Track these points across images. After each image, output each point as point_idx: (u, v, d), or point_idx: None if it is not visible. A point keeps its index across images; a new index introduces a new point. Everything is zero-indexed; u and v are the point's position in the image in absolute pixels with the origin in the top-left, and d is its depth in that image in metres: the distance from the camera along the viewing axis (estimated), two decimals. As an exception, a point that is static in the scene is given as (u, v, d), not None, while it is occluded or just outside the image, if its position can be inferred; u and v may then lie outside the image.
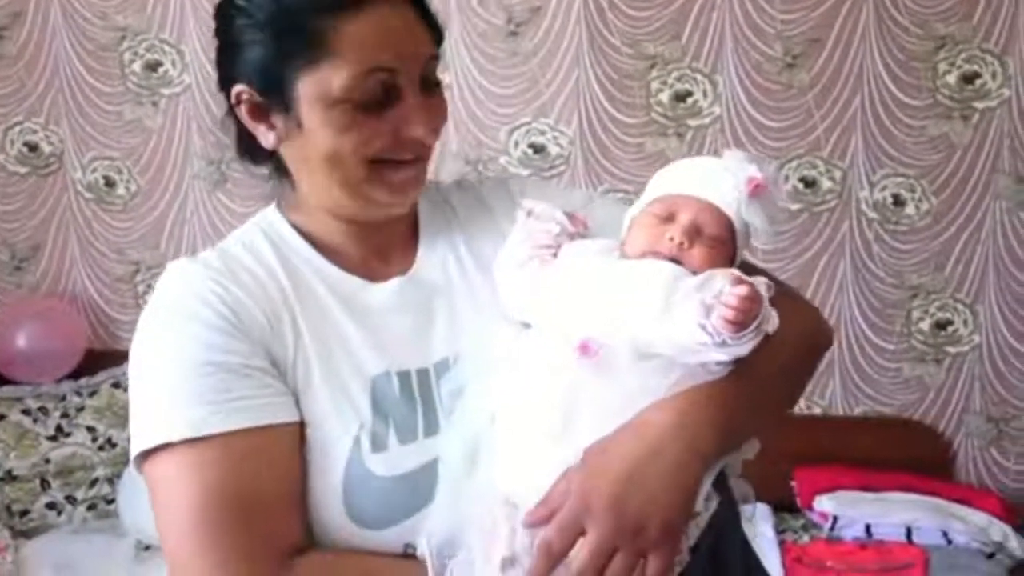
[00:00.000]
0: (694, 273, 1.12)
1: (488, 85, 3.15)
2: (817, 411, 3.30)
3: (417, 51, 1.15)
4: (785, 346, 1.14)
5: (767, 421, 1.18)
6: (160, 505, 1.10)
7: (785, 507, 3.12)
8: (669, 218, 1.17)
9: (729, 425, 1.08)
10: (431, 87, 1.18)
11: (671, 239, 1.15)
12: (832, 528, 2.99)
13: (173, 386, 1.11)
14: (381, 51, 1.12)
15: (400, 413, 1.14)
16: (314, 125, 1.14)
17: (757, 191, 1.17)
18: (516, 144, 3.19)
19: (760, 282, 1.11)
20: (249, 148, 1.23)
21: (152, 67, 3.29)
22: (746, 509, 1.29)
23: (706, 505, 1.08)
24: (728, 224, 1.17)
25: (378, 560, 1.09)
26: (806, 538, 3.03)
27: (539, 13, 3.10)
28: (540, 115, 3.18)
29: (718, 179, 1.18)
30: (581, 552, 1.01)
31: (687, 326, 1.06)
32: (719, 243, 1.16)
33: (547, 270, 1.17)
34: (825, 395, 3.28)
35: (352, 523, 1.10)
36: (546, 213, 1.22)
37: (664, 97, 3.15)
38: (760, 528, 3.02)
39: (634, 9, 3.10)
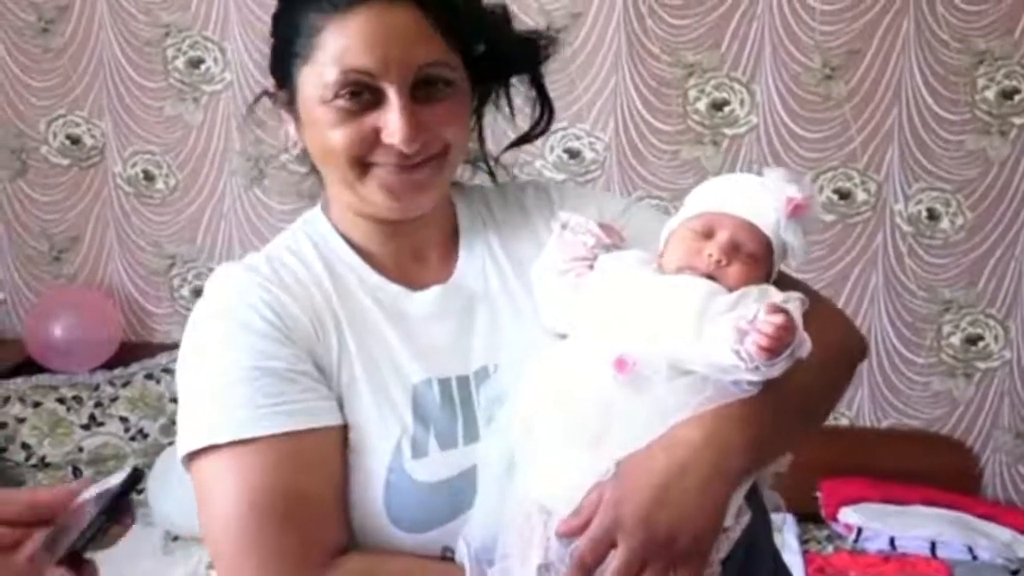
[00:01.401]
0: (730, 290, 1.14)
1: (526, 89, 3.16)
2: (844, 423, 3.30)
3: (405, 57, 1.14)
4: (819, 360, 1.14)
5: (798, 435, 1.20)
6: (206, 504, 1.12)
7: (810, 518, 3.12)
8: (708, 234, 1.18)
9: (758, 442, 1.09)
10: (430, 93, 1.17)
11: (709, 256, 1.16)
12: (856, 540, 2.99)
13: (220, 390, 1.14)
14: (360, 54, 1.13)
15: (441, 420, 1.16)
16: (309, 121, 1.18)
17: (797, 211, 1.18)
18: (552, 149, 3.21)
19: (794, 299, 1.13)
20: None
21: (194, 64, 3.33)
22: (775, 519, 1.31)
23: (738, 520, 1.10)
24: (766, 243, 1.18)
25: (418, 562, 1.11)
26: (830, 549, 3.03)
27: (579, 19, 3.12)
28: (576, 120, 3.20)
29: (758, 197, 1.20)
30: (612, 564, 1.03)
31: (721, 349, 1.07)
32: (756, 261, 1.18)
33: (583, 282, 1.18)
34: (853, 407, 3.29)
35: (392, 526, 1.12)
36: (581, 226, 1.23)
37: (701, 105, 3.16)
38: (784, 538, 3.03)
39: (674, 17, 3.12)
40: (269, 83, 1.25)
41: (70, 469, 3.17)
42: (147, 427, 3.23)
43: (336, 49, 1.14)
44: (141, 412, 3.25)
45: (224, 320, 1.18)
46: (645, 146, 3.20)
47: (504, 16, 1.29)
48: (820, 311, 1.20)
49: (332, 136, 1.16)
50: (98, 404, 3.25)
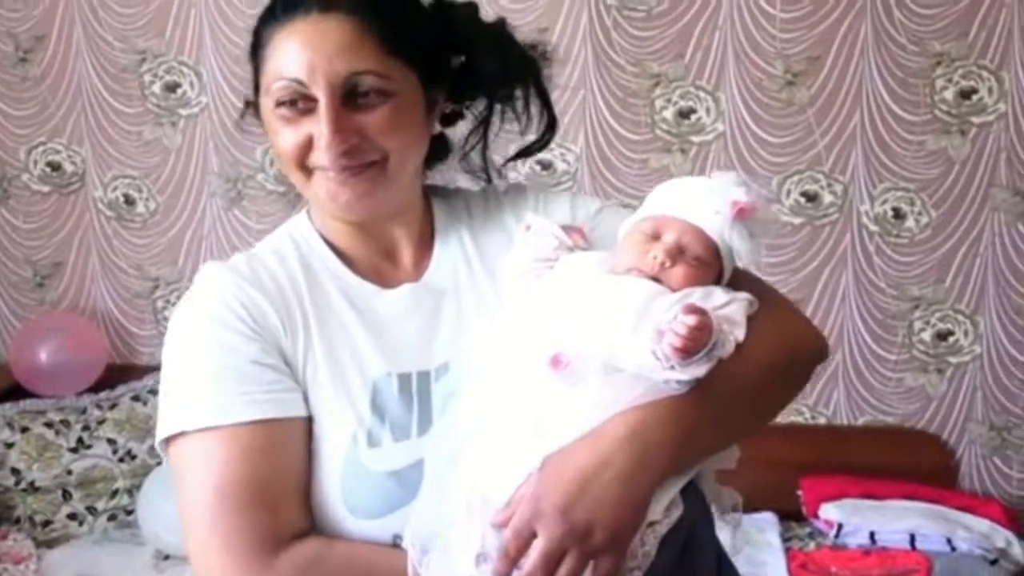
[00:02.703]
0: (674, 292, 1.16)
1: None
2: (822, 421, 3.35)
3: (334, 66, 1.19)
4: (768, 359, 1.19)
5: (736, 434, 1.22)
6: (180, 487, 1.20)
7: (792, 515, 3.17)
8: (655, 237, 1.20)
9: (687, 439, 1.12)
10: (365, 102, 1.21)
11: (654, 258, 1.18)
12: (837, 535, 3.02)
13: (192, 380, 1.22)
14: (291, 63, 1.20)
15: (396, 413, 1.21)
16: (267, 127, 1.26)
17: (741, 214, 1.20)
18: (524, 160, 3.24)
19: (740, 299, 1.16)
20: None
21: (171, 88, 3.38)
22: (736, 517, 1.33)
23: (667, 514, 1.13)
24: (711, 245, 1.20)
25: (366, 547, 1.17)
26: (812, 545, 3.07)
27: (546, 34, 3.17)
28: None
29: (704, 201, 1.22)
30: (532, 554, 1.07)
31: (644, 349, 1.10)
32: (701, 264, 1.19)
33: (539, 282, 1.22)
34: (829, 405, 3.34)
35: (347, 513, 1.18)
36: (545, 228, 1.26)
37: (668, 114, 3.22)
38: (767, 536, 3.08)
39: (638, 29, 3.18)
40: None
41: (60, 492, 3.19)
42: (135, 448, 3.25)
43: (276, 59, 1.21)
44: (129, 434, 3.28)
45: (198, 316, 1.25)
46: (615, 155, 3.25)
47: (501, 30, 1.34)
48: (774, 311, 1.23)
49: (279, 141, 1.24)
50: (86, 427, 3.28)
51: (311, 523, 1.18)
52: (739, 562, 2.97)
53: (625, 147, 3.25)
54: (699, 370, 1.10)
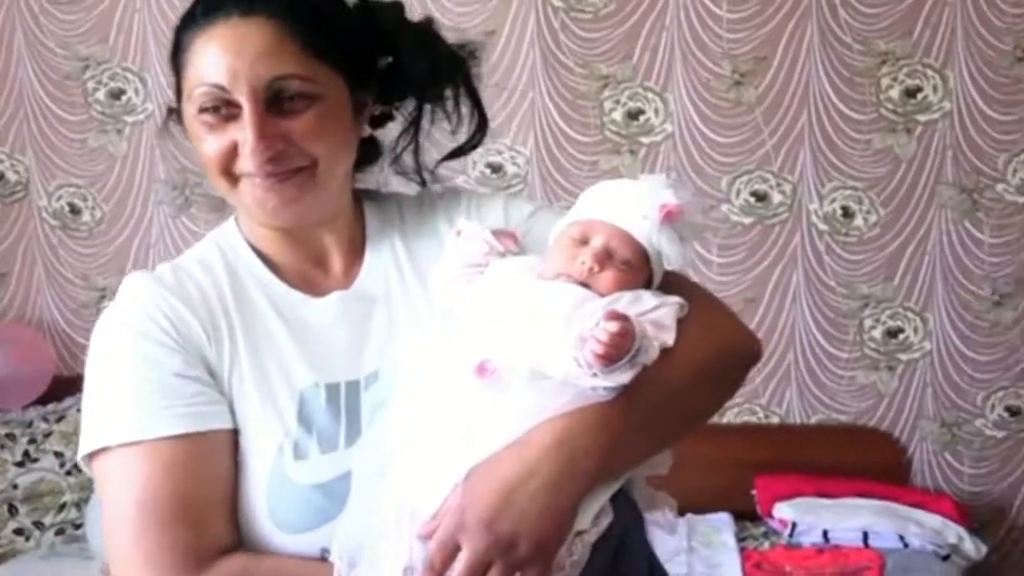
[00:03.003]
0: (602, 297, 1.14)
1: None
2: (775, 420, 3.36)
3: (257, 70, 1.16)
4: (697, 364, 1.17)
5: (666, 438, 1.20)
6: (103, 502, 1.18)
7: (746, 515, 3.18)
8: (583, 241, 1.18)
9: (614, 446, 1.10)
10: (290, 107, 1.19)
11: (582, 263, 1.16)
12: (791, 534, 3.03)
13: (113, 394, 1.19)
14: (211, 68, 1.17)
15: (323, 424, 1.18)
16: (189, 135, 1.23)
17: (669, 218, 1.18)
18: (474, 164, 3.25)
19: (669, 303, 1.15)
20: None
21: (115, 95, 3.34)
22: (671, 522, 1.32)
23: (596, 522, 1.11)
24: (639, 249, 1.19)
25: (292, 561, 1.15)
26: (766, 545, 3.08)
27: (494, 36, 3.17)
28: (497, 135, 3.23)
29: (631, 204, 1.20)
30: (456, 566, 1.06)
31: (567, 356, 1.08)
32: (630, 268, 1.18)
33: (468, 289, 1.20)
34: (783, 404, 3.35)
35: (274, 527, 1.15)
36: (475, 233, 1.24)
37: (617, 116, 3.22)
38: (722, 536, 3.08)
39: (586, 31, 3.18)
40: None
41: (5, 507, 3.15)
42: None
43: (198, 64, 1.18)
44: (76, 447, 3.21)
45: (119, 328, 1.22)
46: (565, 158, 3.25)
47: (427, 30, 1.31)
48: (704, 314, 1.22)
49: (203, 148, 1.20)
50: (32, 440, 3.23)
51: (238, 538, 1.16)
52: (694, 563, 2.99)
53: (575, 149, 3.24)
54: (623, 377, 1.09)
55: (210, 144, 1.19)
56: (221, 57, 1.17)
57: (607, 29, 3.17)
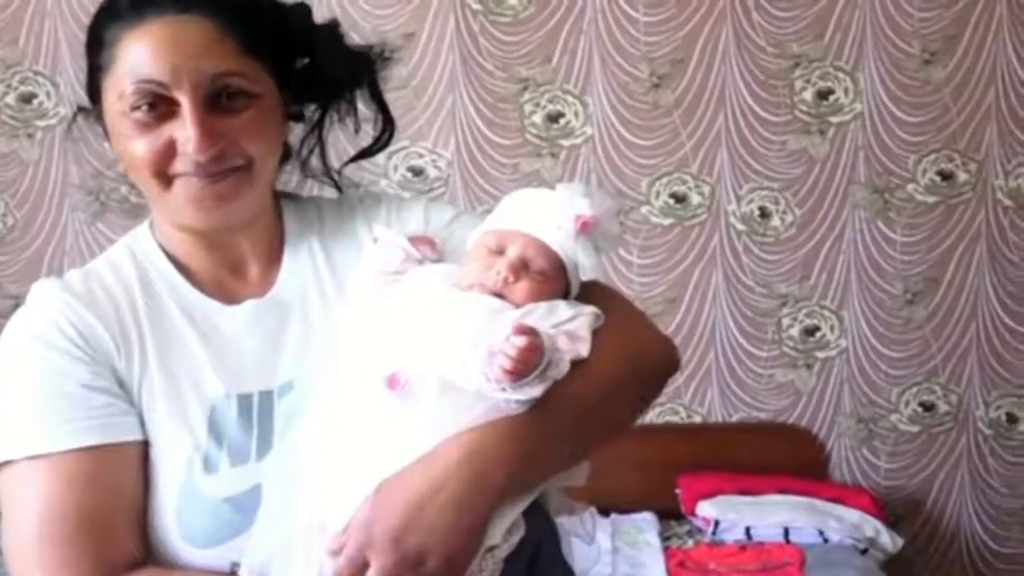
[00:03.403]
0: (517, 307, 1.14)
1: (365, 110, 3.19)
2: (697, 419, 3.40)
3: (197, 66, 1.15)
4: (607, 375, 1.16)
5: (581, 450, 1.19)
6: (4, 519, 1.14)
7: (670, 514, 3.21)
8: (499, 251, 1.17)
9: (525, 458, 1.09)
10: (228, 105, 1.17)
11: (497, 273, 1.15)
12: (714, 532, 3.07)
13: (18, 405, 1.16)
14: (150, 64, 1.14)
15: (234, 436, 1.17)
16: (114, 133, 1.18)
17: (585, 228, 1.18)
18: (395, 168, 3.24)
19: (585, 314, 1.14)
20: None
21: (26, 99, 3.26)
22: (591, 532, 1.29)
23: (507, 537, 1.10)
24: (555, 259, 1.18)
25: None
26: (690, 543, 3.11)
27: (413, 39, 3.17)
28: (418, 138, 3.23)
29: (547, 214, 1.19)
30: None
31: (477, 370, 1.07)
32: (546, 278, 1.17)
33: (383, 297, 1.18)
34: (704, 403, 3.38)
35: (183, 541, 1.14)
36: (391, 240, 1.23)
37: (537, 119, 3.23)
38: (646, 536, 3.11)
39: (505, 34, 3.18)
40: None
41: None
42: None
43: (129, 60, 1.15)
44: None
45: (25, 337, 1.19)
46: (486, 161, 3.25)
47: (334, 32, 1.30)
48: (621, 324, 1.21)
49: (133, 148, 1.16)
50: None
51: (146, 552, 1.14)
52: (618, 563, 3.01)
53: (496, 152, 3.25)
54: (533, 391, 1.08)
55: (142, 144, 1.15)
56: (159, 53, 1.14)
57: (525, 32, 3.18)
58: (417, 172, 3.27)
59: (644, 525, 3.15)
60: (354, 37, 1.33)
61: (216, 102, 1.16)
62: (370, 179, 3.22)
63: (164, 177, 1.17)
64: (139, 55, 1.14)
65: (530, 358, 1.06)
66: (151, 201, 1.23)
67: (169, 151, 1.16)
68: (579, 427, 1.15)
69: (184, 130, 1.14)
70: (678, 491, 3.20)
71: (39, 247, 3.34)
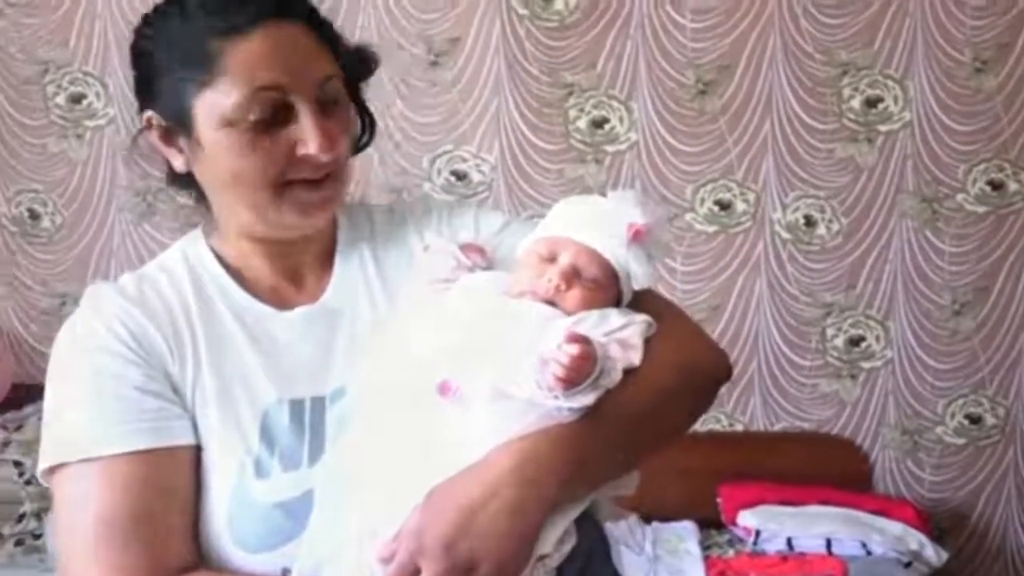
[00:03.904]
0: (569, 315, 1.13)
1: (410, 114, 3.21)
2: (739, 428, 3.37)
3: (309, 71, 1.16)
4: (659, 383, 1.15)
5: (632, 459, 1.18)
6: (58, 520, 1.15)
7: (711, 523, 3.19)
8: (550, 259, 1.17)
9: (577, 467, 1.08)
10: (329, 107, 1.19)
11: (549, 281, 1.15)
12: (755, 542, 3.04)
13: (72, 408, 1.16)
14: (269, 70, 1.14)
15: (287, 441, 1.17)
16: (213, 147, 1.17)
17: (637, 237, 1.17)
18: (439, 172, 3.25)
19: (637, 322, 1.13)
20: (173, 174, 1.26)
21: (76, 100, 3.30)
22: (641, 542, 1.29)
23: (559, 546, 1.09)
24: (608, 267, 1.17)
25: None
26: (731, 553, 3.09)
27: (458, 44, 3.17)
28: (462, 143, 3.24)
29: (600, 222, 1.19)
30: None
31: (530, 377, 1.07)
32: (598, 286, 1.17)
33: (435, 304, 1.18)
34: (746, 412, 3.36)
35: (234, 546, 1.14)
36: (441, 248, 1.23)
37: (582, 124, 3.22)
38: (686, 544, 3.09)
39: (550, 39, 3.18)
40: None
41: (-34, 518, 3.10)
42: (43, 470, 3.17)
43: (242, 69, 1.14)
44: (36, 456, 3.16)
45: (79, 340, 1.20)
46: (530, 166, 3.25)
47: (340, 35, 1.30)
48: (673, 333, 1.20)
49: (244, 160, 1.16)
50: (-10, 449, 3.19)
51: (198, 556, 1.14)
52: (659, 571, 2.99)
53: (540, 157, 3.24)
54: (586, 399, 1.07)
55: (259, 153, 1.16)
56: (275, 59, 1.15)
57: (571, 38, 3.17)
58: (461, 176, 3.27)
59: (685, 534, 3.14)
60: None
61: (322, 106, 1.18)
62: (413, 182, 3.24)
63: (277, 187, 1.17)
64: (254, 63, 1.14)
65: (583, 366, 1.05)
66: (239, 213, 1.22)
67: (286, 158, 1.16)
68: (631, 435, 1.14)
69: (305, 132, 1.16)
70: (719, 500, 3.18)
71: (87, 246, 3.38)
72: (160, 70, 1.19)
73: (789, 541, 3.02)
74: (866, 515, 3.10)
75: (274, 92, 1.15)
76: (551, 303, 1.15)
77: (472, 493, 1.05)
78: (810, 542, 3.01)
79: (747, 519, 3.08)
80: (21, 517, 3.13)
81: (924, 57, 3.15)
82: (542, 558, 1.08)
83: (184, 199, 1.30)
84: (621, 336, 1.13)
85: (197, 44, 1.16)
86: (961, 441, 3.35)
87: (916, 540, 3.02)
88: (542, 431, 1.08)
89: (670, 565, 2.99)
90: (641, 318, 1.15)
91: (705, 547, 3.10)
